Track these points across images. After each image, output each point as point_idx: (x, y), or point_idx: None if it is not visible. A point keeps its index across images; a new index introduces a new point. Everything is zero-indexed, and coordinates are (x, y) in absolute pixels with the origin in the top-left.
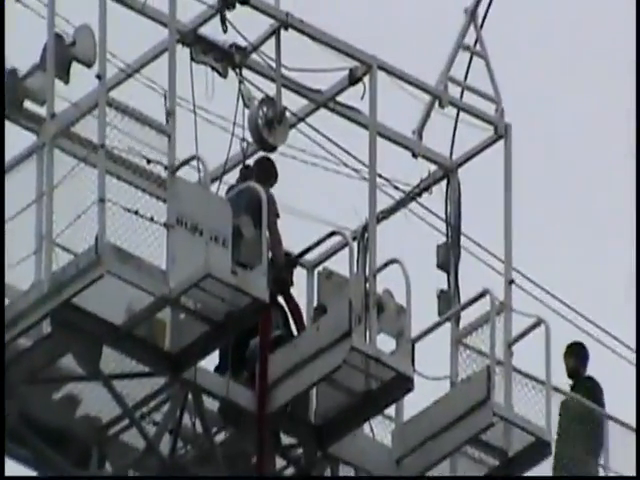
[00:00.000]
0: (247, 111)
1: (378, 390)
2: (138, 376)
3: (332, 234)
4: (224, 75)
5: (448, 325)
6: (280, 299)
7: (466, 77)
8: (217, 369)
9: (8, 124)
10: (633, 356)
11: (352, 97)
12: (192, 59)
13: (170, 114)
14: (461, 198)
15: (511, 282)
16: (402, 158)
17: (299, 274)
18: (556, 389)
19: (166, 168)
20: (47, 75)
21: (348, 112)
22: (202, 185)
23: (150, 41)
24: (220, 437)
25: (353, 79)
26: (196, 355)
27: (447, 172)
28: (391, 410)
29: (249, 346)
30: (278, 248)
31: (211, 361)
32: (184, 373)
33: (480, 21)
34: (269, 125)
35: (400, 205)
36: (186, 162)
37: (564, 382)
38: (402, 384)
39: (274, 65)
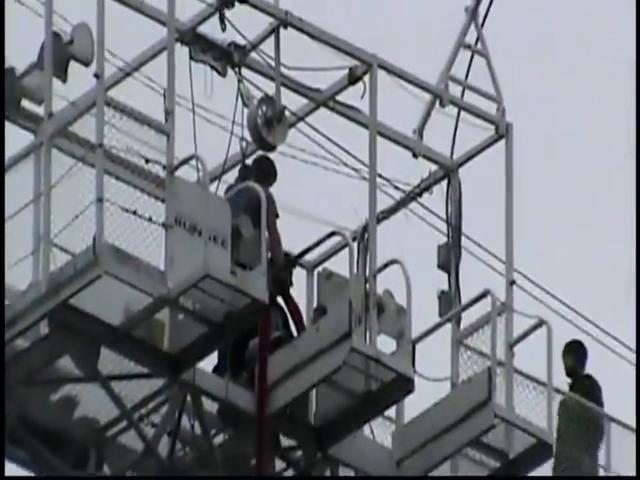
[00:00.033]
0: (246, 110)
1: (378, 391)
2: (136, 377)
3: (332, 234)
4: (223, 74)
5: (449, 326)
6: (280, 300)
7: (467, 76)
8: (216, 369)
9: (6, 124)
10: (633, 356)
11: (352, 96)
12: (191, 58)
13: (169, 113)
14: (462, 198)
15: (512, 283)
16: (402, 158)
17: (299, 275)
18: (558, 390)
19: (165, 168)
20: (45, 74)
21: (348, 111)
22: (201, 185)
23: (149, 40)
24: (219, 439)
25: (353, 78)
26: (195, 356)
27: (448, 172)
28: (391, 411)
29: (248, 347)
30: (277, 248)
31: (210, 362)
32: (183, 374)
33: (481, 20)
34: (268, 124)
35: (400, 205)
36: (185, 162)
37: (565, 382)
38: (402, 385)
39: (273, 64)
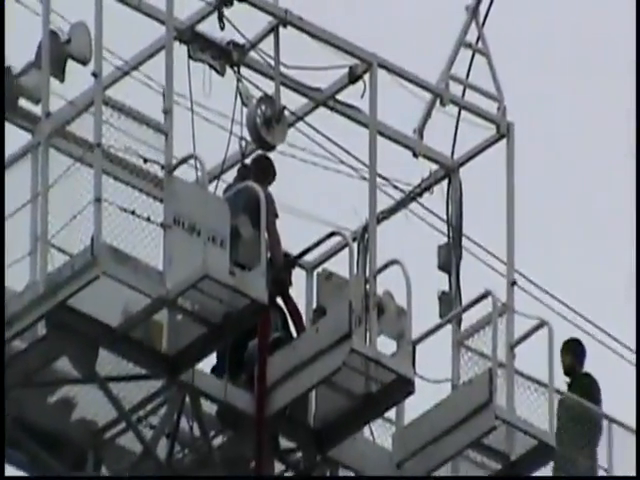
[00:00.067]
0: (245, 110)
1: (378, 393)
2: (135, 379)
3: (332, 234)
4: (222, 73)
5: (449, 327)
6: (279, 300)
7: (468, 75)
8: (214, 370)
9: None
10: (633, 357)
11: (352, 95)
12: (190, 57)
13: (167, 113)
14: (462, 198)
15: (513, 283)
16: (403, 157)
17: (298, 275)
18: (559, 391)
19: (163, 167)
20: (42, 73)
21: (348, 111)
22: (200, 185)
23: (147, 38)
24: (218, 441)
25: (353, 77)
26: (194, 357)
27: (448, 171)
28: (392, 413)
29: (247, 348)
30: (277, 249)
31: (209, 364)
32: (181, 376)
33: (482, 18)
34: (268, 124)
35: (401, 205)
36: (183, 161)
37: (564, 381)
38: (403, 387)
39: (273, 63)
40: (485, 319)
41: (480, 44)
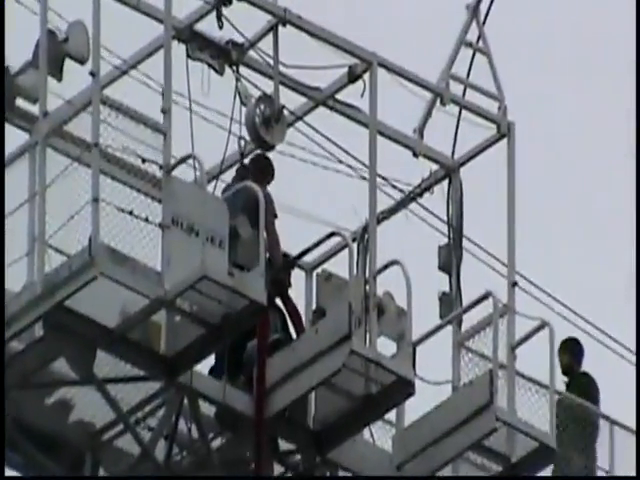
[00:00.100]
0: (244, 109)
1: (378, 394)
2: (133, 380)
3: (331, 235)
4: (221, 72)
5: (450, 328)
6: (278, 301)
7: (468, 74)
8: (212, 370)
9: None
10: (633, 357)
11: (352, 95)
12: (188, 56)
13: (165, 112)
14: (463, 198)
15: (514, 284)
16: (403, 157)
17: (297, 276)
18: (560, 393)
19: (161, 167)
20: (39, 72)
21: (348, 110)
22: (198, 185)
23: (145, 37)
24: (217, 443)
25: (353, 76)
26: (192, 359)
27: (449, 171)
28: (392, 415)
29: (246, 349)
30: (276, 249)
31: (207, 364)
32: (180, 377)
33: (482, 17)
34: (267, 123)
35: (401, 205)
36: (182, 161)
37: (562, 381)
38: (403, 388)
39: (272, 62)
40: (486, 320)
41: (481, 43)
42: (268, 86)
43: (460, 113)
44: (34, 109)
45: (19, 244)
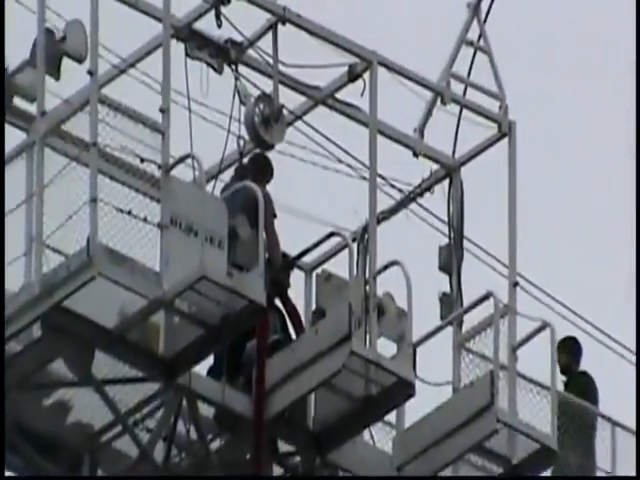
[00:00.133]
0: (243, 108)
1: (378, 396)
2: (131, 381)
3: (331, 235)
4: (220, 71)
5: (450, 329)
6: (278, 302)
7: (469, 73)
8: (211, 371)
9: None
10: (634, 357)
11: (352, 94)
12: (187, 55)
13: (164, 111)
14: (464, 198)
15: (515, 284)
16: (403, 157)
17: (297, 276)
18: (561, 394)
19: (160, 167)
20: (37, 71)
21: (347, 109)
22: (197, 184)
23: (144, 36)
24: (216, 444)
25: (353, 75)
26: (191, 360)
27: (449, 171)
28: (392, 416)
29: (246, 350)
30: (275, 249)
31: (205, 364)
32: (178, 378)
33: (483, 16)
34: (266, 123)
35: (401, 205)
36: (181, 160)
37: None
38: (403, 389)
39: (271, 61)
40: (487, 321)
41: (482, 42)
42: (267, 85)
43: (461, 112)
44: (32, 108)
45: (17, 244)
